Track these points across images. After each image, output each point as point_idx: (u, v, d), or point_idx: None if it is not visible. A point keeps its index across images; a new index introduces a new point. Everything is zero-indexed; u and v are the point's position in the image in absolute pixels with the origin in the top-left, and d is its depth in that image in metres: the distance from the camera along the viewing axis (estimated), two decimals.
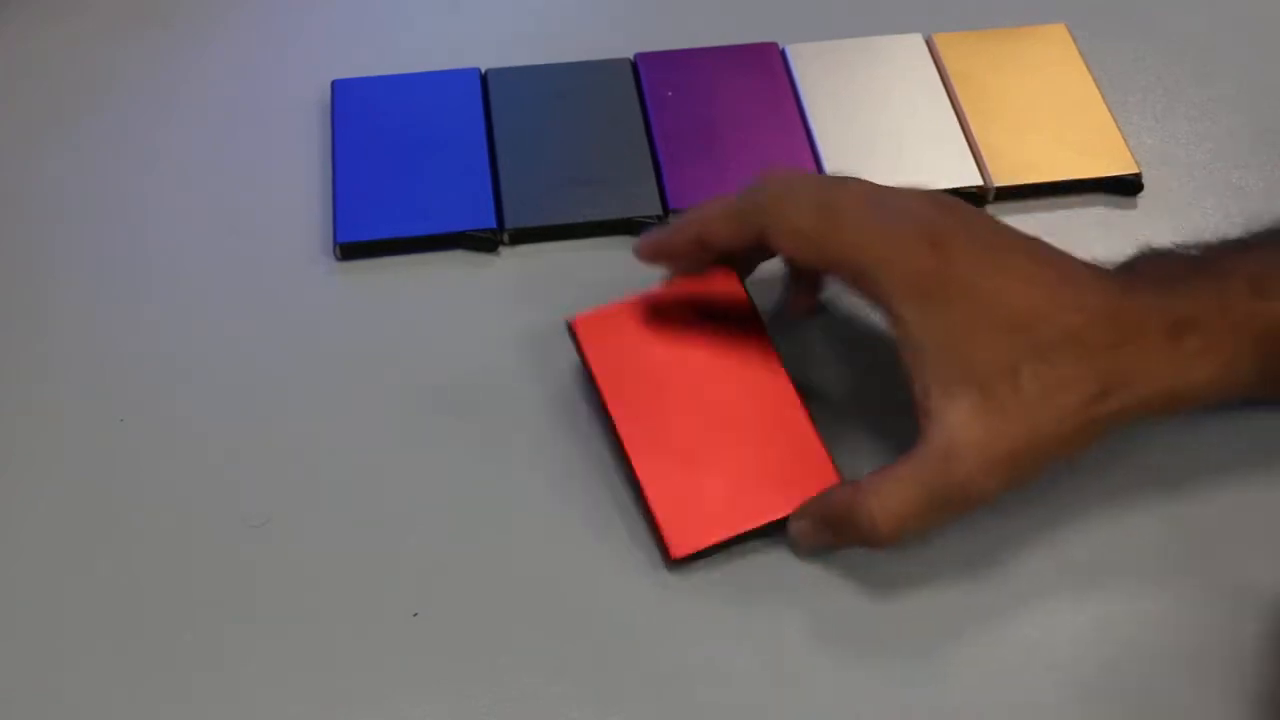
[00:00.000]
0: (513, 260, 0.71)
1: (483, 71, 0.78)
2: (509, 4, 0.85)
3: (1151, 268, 0.59)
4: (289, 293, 0.70)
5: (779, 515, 0.59)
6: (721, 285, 0.62)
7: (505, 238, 0.71)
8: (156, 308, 0.69)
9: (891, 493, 0.55)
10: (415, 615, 0.59)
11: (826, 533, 0.58)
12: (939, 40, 0.79)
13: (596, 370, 0.61)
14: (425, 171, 0.73)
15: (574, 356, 0.62)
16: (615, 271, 0.63)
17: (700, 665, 0.57)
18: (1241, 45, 0.81)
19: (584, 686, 0.57)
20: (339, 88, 0.77)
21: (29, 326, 0.68)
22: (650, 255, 0.62)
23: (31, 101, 0.78)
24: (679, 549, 0.58)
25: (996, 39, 0.79)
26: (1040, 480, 0.56)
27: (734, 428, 0.60)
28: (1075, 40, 0.79)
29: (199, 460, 0.63)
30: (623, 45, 0.79)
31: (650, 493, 0.59)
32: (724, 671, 0.57)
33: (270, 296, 0.69)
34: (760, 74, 0.78)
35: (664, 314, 0.62)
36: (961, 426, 0.54)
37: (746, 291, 0.63)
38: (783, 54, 0.79)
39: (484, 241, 0.71)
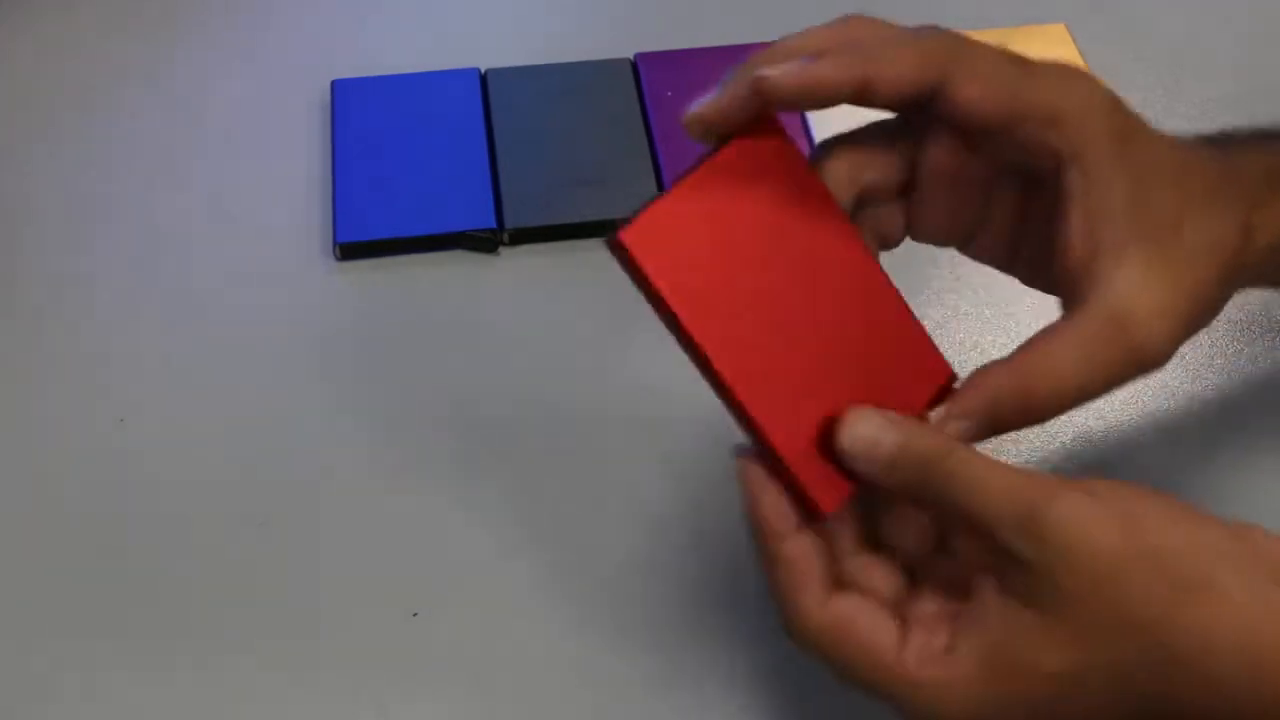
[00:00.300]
0: (513, 260, 0.71)
1: (483, 71, 0.78)
2: (509, 4, 0.85)
3: (1227, 137, 0.57)
4: (289, 293, 0.70)
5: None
6: (774, 150, 0.50)
7: (505, 238, 0.71)
8: (156, 307, 0.69)
9: (1065, 370, 0.49)
10: (415, 615, 0.59)
11: (992, 428, 0.50)
12: None
13: (671, 298, 0.47)
14: (425, 171, 0.73)
15: (574, 355, 0.62)
16: (615, 271, 0.63)
17: None
18: (1241, 45, 0.81)
19: (583, 687, 0.57)
20: (339, 88, 0.77)
21: (29, 326, 0.68)
22: (783, 93, 0.48)
23: (31, 102, 0.78)
24: (829, 503, 0.49)
25: (996, 39, 0.78)
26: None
27: (841, 338, 0.50)
28: (1075, 40, 0.79)
29: (199, 460, 0.63)
30: (623, 45, 0.79)
31: (781, 446, 0.48)
32: None
33: (270, 296, 0.69)
34: None
35: (723, 203, 0.48)
36: (1134, 285, 0.49)
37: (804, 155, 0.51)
38: None
39: (484, 241, 0.71)
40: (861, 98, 0.49)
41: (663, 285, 0.47)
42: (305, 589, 0.59)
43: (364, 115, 0.76)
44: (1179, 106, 0.78)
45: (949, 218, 0.53)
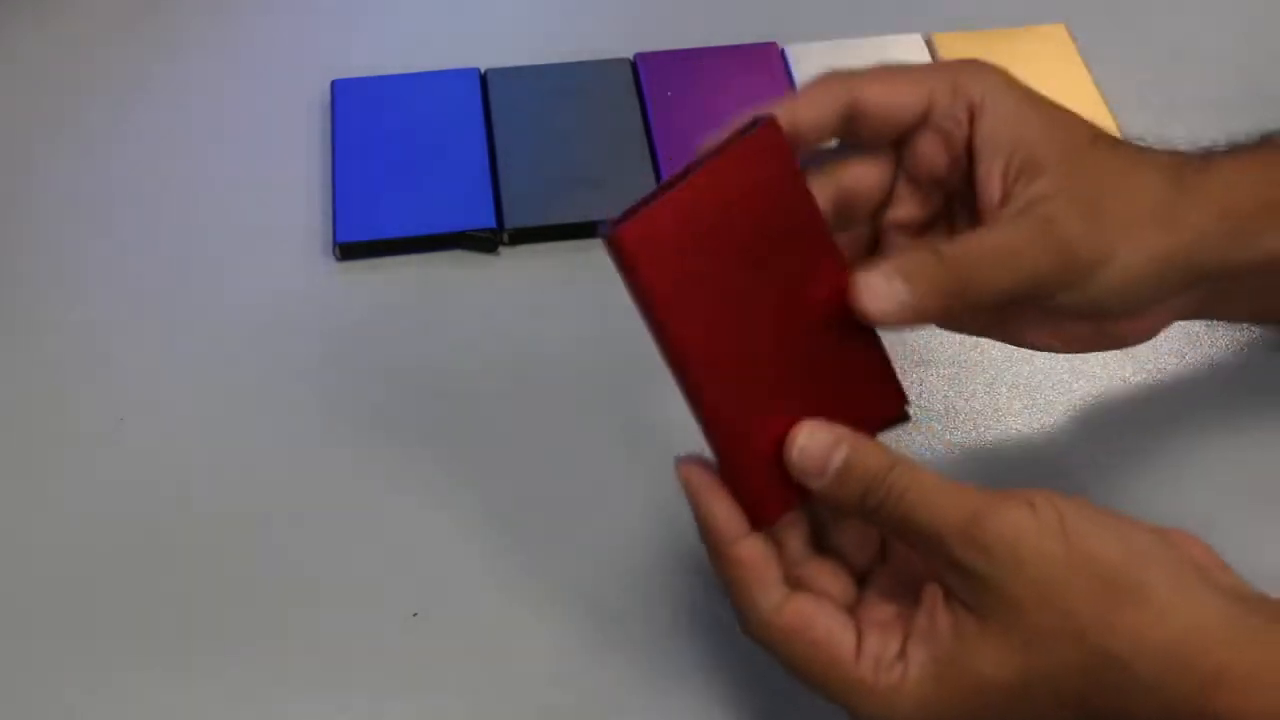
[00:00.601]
0: (512, 260, 0.71)
1: (483, 71, 0.78)
2: (509, 4, 0.85)
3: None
4: (289, 293, 0.70)
5: None
6: (772, 153, 0.50)
7: (505, 238, 0.71)
8: (156, 307, 0.69)
9: (980, 236, 0.52)
10: (415, 615, 0.59)
11: (926, 300, 0.50)
12: (938, 40, 0.79)
13: (658, 302, 0.48)
14: (425, 171, 0.73)
15: (574, 355, 0.62)
16: (615, 271, 0.63)
17: None
18: (1241, 46, 0.81)
19: (586, 687, 0.57)
20: (339, 88, 0.77)
21: (29, 326, 0.68)
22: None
23: (31, 102, 0.78)
24: (773, 510, 0.50)
25: (996, 39, 0.79)
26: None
27: (808, 354, 0.51)
28: (1075, 40, 0.79)
29: (198, 459, 0.63)
30: (623, 45, 0.79)
31: (734, 452, 0.50)
32: None
33: (270, 296, 0.69)
34: (760, 74, 0.78)
35: (717, 208, 0.49)
36: (1044, 186, 0.52)
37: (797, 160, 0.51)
38: (782, 54, 0.79)
39: (484, 241, 0.71)
40: (845, 133, 0.53)
41: (652, 288, 0.48)
42: (305, 588, 0.59)
43: (364, 115, 0.76)
44: (1179, 107, 0.78)
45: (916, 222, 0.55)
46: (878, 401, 0.52)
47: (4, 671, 0.57)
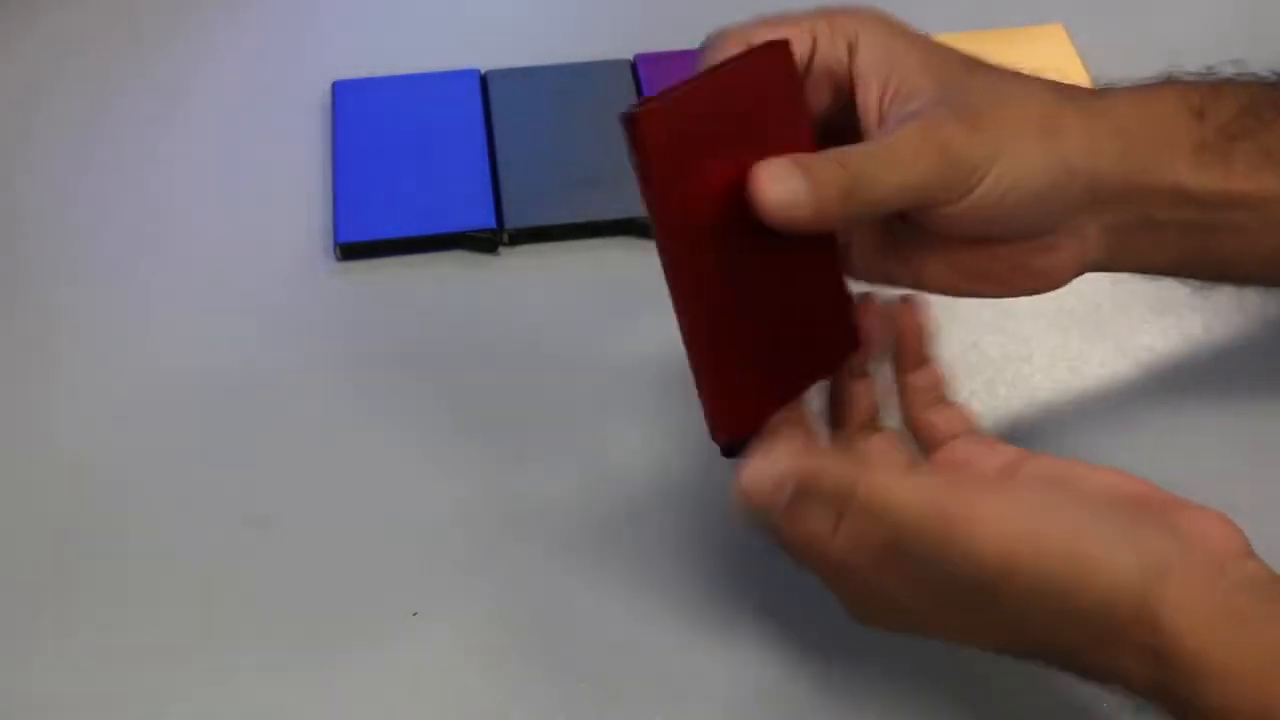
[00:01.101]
0: (513, 260, 0.71)
1: (483, 72, 0.78)
2: (509, 4, 0.85)
3: None
4: (289, 293, 0.70)
5: (810, 385, 0.54)
6: (777, 70, 0.52)
7: (505, 238, 0.71)
8: (157, 307, 0.69)
9: (869, 143, 0.53)
10: (415, 615, 0.59)
11: (815, 195, 0.50)
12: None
13: (663, 205, 0.50)
14: (425, 172, 0.73)
15: (574, 355, 0.62)
16: (615, 271, 0.63)
17: None
18: (1241, 45, 0.81)
19: (587, 687, 0.57)
20: (340, 89, 0.77)
21: (30, 326, 0.69)
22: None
23: (32, 102, 0.78)
24: (725, 430, 0.52)
25: (994, 39, 0.79)
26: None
27: (786, 292, 0.52)
28: (1073, 40, 0.79)
29: (198, 459, 0.64)
30: (623, 45, 0.79)
31: (704, 371, 0.51)
32: None
33: (270, 296, 0.70)
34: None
35: (730, 114, 0.51)
36: (924, 102, 0.53)
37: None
38: None
39: (484, 241, 0.71)
40: None
41: (657, 174, 0.49)
42: (305, 588, 0.59)
43: (365, 116, 0.76)
44: None
45: None
46: (836, 338, 0.54)
47: (3, 672, 0.57)
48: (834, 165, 0.50)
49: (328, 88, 0.77)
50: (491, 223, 0.71)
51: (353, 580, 0.60)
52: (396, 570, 0.60)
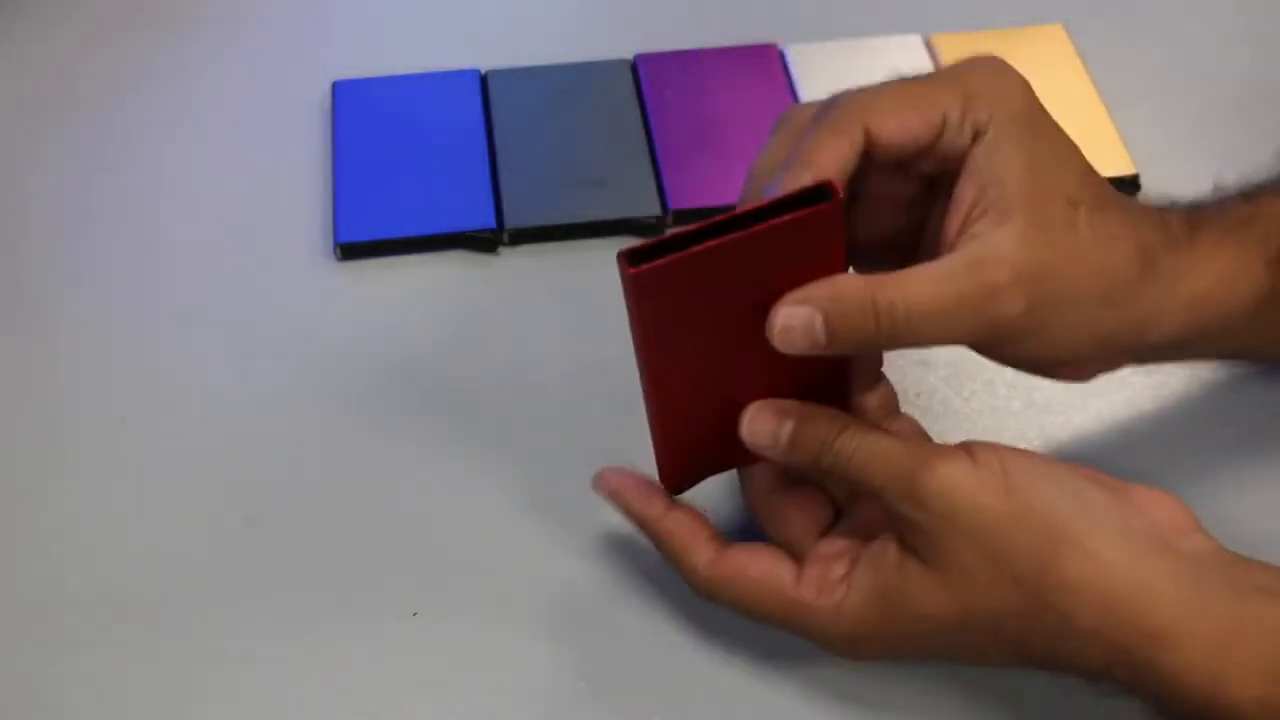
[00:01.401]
0: (513, 260, 0.71)
1: (483, 72, 0.78)
2: (509, 4, 0.85)
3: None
4: (289, 293, 0.70)
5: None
6: (819, 231, 0.49)
7: (505, 238, 0.71)
8: (157, 308, 0.69)
9: (918, 286, 0.50)
10: (415, 615, 0.59)
11: (827, 324, 0.50)
12: (937, 41, 0.79)
13: (645, 342, 0.51)
14: (425, 171, 0.73)
15: (574, 355, 0.62)
16: (615, 271, 0.63)
17: None
18: (1240, 45, 0.82)
19: (591, 687, 0.57)
20: (340, 88, 0.77)
21: (30, 326, 0.69)
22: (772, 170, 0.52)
23: (32, 102, 0.78)
24: (672, 484, 0.56)
25: (994, 39, 0.80)
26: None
27: (762, 389, 0.53)
28: (1073, 41, 0.79)
29: (199, 459, 0.64)
30: (623, 45, 0.79)
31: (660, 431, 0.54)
32: None
33: (270, 296, 0.70)
34: (760, 74, 0.78)
35: (741, 272, 0.49)
36: (1001, 241, 0.50)
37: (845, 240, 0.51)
38: (782, 55, 0.79)
39: (484, 241, 0.71)
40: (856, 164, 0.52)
41: (647, 324, 0.50)
42: (305, 588, 0.59)
43: (364, 116, 0.76)
44: (1176, 107, 0.78)
45: (887, 234, 0.55)
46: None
47: (4, 667, 0.57)
48: (867, 319, 0.49)
49: (328, 88, 0.77)
50: (491, 223, 0.71)
51: (352, 580, 0.60)
52: (396, 570, 0.60)
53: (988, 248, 0.51)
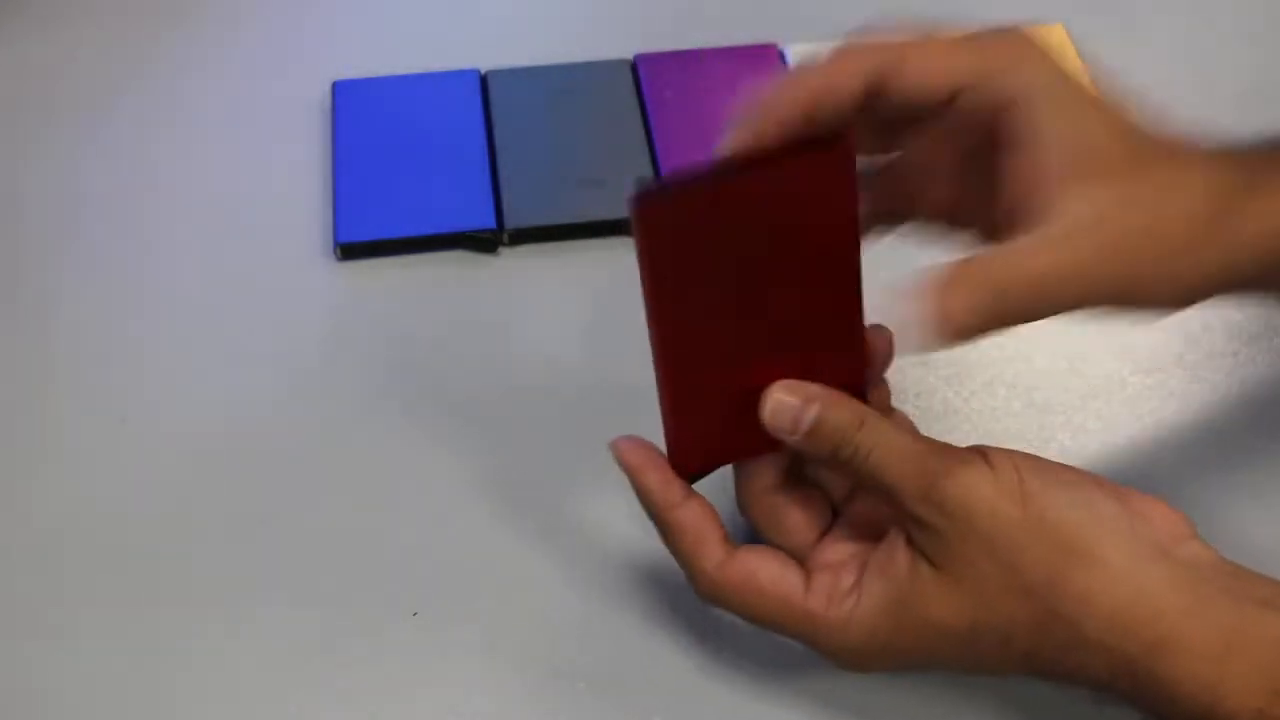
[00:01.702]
0: (513, 260, 0.71)
1: (483, 72, 0.78)
2: (509, 4, 0.85)
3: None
4: (289, 292, 0.70)
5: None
6: (830, 175, 0.48)
7: (505, 238, 0.71)
8: (158, 308, 0.69)
9: (1050, 256, 0.49)
10: (415, 615, 0.59)
11: (985, 304, 0.49)
12: None
13: (652, 283, 0.49)
14: (425, 172, 0.73)
15: (573, 355, 0.62)
16: (615, 271, 0.63)
17: None
18: (1241, 45, 0.82)
19: (591, 687, 0.57)
20: (340, 88, 0.77)
21: (31, 326, 0.69)
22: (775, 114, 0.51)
23: (32, 102, 0.78)
24: (692, 465, 0.53)
25: None
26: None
27: (783, 363, 0.51)
28: (1074, 40, 0.79)
29: (199, 459, 0.64)
30: (623, 45, 0.79)
31: (672, 407, 0.52)
32: None
33: (270, 296, 0.70)
34: (760, 74, 0.78)
35: (752, 212, 0.48)
36: (1087, 206, 0.49)
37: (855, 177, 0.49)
38: (782, 55, 0.79)
39: (484, 241, 0.71)
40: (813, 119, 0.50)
41: (653, 266, 0.48)
42: (305, 588, 0.59)
43: (365, 116, 0.76)
44: (1179, 106, 0.78)
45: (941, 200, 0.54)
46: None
47: (4, 667, 0.57)
48: (993, 299, 0.48)
49: (328, 88, 0.77)
50: (491, 223, 0.71)
51: (352, 579, 0.60)
52: (396, 570, 0.60)
53: (1100, 209, 0.49)
